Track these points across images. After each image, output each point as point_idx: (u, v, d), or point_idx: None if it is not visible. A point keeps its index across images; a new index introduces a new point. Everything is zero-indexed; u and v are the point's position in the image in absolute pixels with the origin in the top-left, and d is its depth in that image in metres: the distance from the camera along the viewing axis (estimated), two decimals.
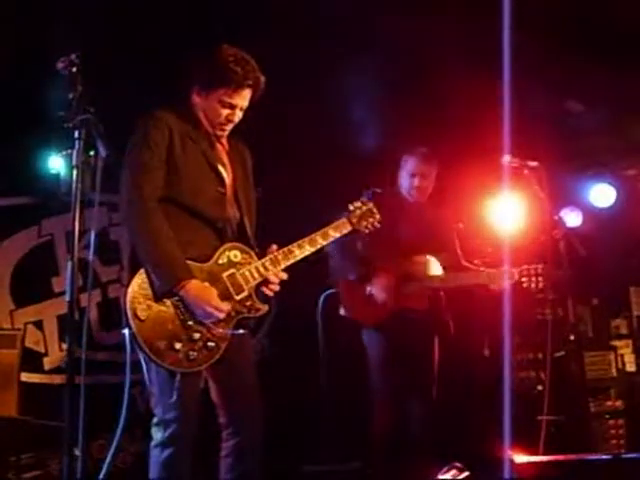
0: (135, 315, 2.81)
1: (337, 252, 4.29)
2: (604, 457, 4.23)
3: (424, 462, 4.34)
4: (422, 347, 4.35)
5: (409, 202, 4.52)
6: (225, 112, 3.09)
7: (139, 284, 2.86)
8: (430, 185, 4.53)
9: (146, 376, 2.94)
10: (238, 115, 3.14)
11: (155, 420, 2.94)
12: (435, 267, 4.34)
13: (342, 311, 4.44)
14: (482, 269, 4.32)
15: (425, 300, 4.30)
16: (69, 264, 2.66)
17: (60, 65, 2.74)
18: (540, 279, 4.12)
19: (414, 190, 4.48)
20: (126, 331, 2.82)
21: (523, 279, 4.13)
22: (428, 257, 4.33)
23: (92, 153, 2.72)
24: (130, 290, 2.84)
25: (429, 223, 4.44)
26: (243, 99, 3.09)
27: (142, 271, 2.87)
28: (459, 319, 4.57)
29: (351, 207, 3.39)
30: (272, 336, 6.07)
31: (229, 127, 3.16)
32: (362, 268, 4.31)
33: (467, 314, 4.76)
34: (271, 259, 3.10)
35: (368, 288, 4.30)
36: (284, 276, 3.12)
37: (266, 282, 3.09)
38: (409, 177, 4.48)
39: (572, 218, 6.00)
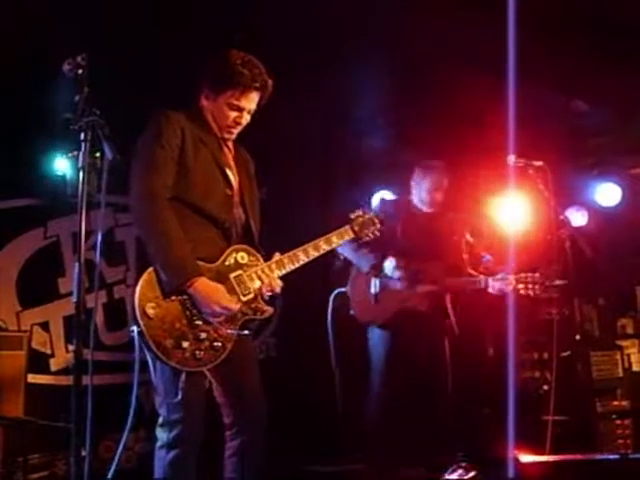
0: (144, 313, 2.80)
1: (347, 248, 4.37)
2: (611, 457, 4.22)
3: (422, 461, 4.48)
4: (429, 349, 4.41)
5: (422, 212, 4.66)
6: (233, 115, 3.10)
7: (148, 282, 2.85)
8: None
9: (152, 375, 2.94)
10: (246, 118, 3.14)
11: (160, 421, 2.94)
12: (438, 272, 4.45)
13: (352, 311, 4.56)
14: (481, 276, 4.43)
15: (426, 302, 4.41)
16: (76, 265, 2.66)
17: (66, 67, 2.73)
18: (537, 287, 4.27)
19: (434, 204, 4.63)
20: (134, 328, 2.81)
21: (520, 286, 4.28)
22: (432, 262, 4.44)
23: (98, 155, 2.72)
24: (139, 288, 2.83)
25: (439, 233, 4.56)
26: (251, 102, 3.10)
27: (151, 269, 2.87)
28: (462, 320, 4.59)
29: (352, 216, 3.43)
30: (278, 335, 6.07)
31: (237, 130, 3.16)
32: (374, 257, 4.41)
33: (471, 314, 4.77)
34: (277, 262, 3.12)
35: (374, 284, 4.40)
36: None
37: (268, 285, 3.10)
38: (429, 192, 4.62)
39: (578, 217, 6.00)
